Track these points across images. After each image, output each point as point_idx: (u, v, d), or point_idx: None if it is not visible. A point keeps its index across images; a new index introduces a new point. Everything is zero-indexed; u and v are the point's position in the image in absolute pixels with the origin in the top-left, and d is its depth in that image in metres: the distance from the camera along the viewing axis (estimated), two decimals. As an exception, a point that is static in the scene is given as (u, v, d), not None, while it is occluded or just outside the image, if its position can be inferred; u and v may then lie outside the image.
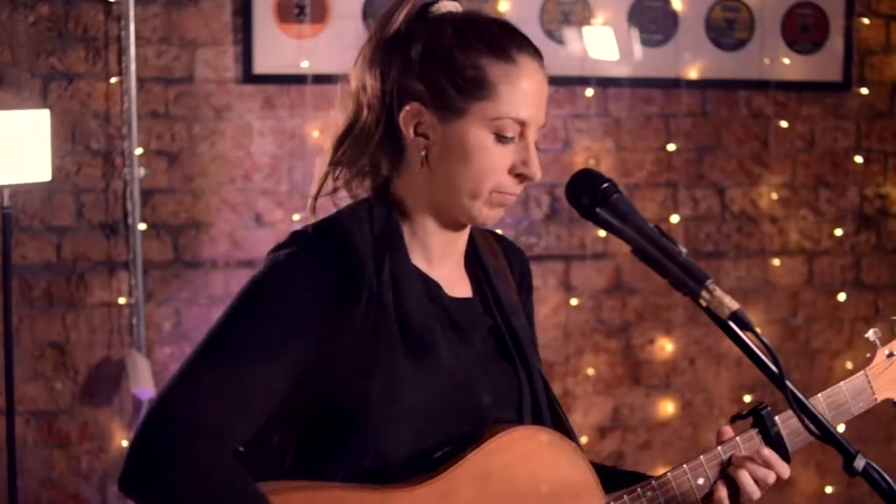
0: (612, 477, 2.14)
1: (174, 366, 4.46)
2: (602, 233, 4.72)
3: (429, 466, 1.95)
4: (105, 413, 4.47)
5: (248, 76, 4.51)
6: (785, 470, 2.10)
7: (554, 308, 4.86)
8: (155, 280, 4.49)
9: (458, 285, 2.09)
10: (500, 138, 1.96)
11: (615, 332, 4.98)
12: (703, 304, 1.79)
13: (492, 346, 2.09)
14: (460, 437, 1.98)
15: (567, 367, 4.90)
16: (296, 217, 4.55)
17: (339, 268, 1.94)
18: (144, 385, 4.24)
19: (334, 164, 2.06)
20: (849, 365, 5.18)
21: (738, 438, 2.12)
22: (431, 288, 2.03)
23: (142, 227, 4.43)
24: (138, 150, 4.40)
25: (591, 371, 4.94)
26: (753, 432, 2.12)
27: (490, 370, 2.06)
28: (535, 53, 2.02)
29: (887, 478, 1.87)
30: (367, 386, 1.92)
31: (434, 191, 2.01)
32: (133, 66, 4.36)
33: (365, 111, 2.02)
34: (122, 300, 4.45)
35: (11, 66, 4.31)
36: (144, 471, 1.85)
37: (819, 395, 2.23)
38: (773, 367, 1.80)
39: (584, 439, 4.80)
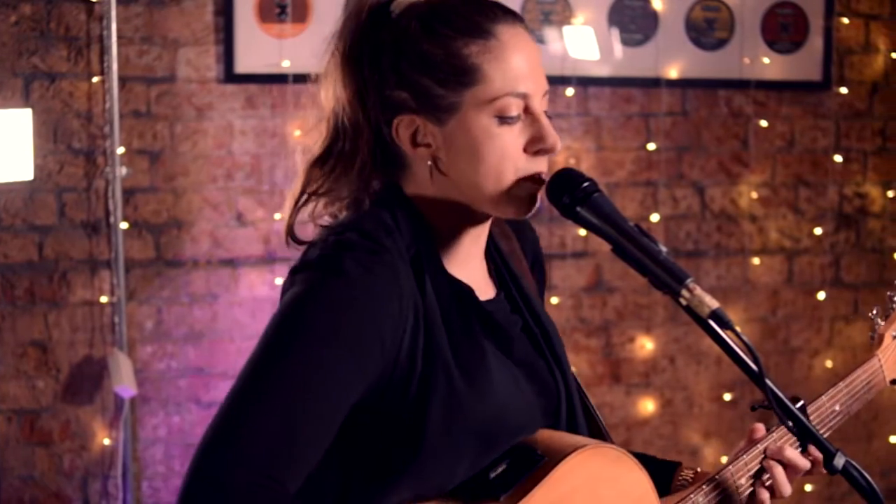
0: (653, 466, 2.10)
1: (156, 364, 4.47)
2: (582, 231, 4.73)
3: (488, 490, 1.84)
4: (87, 412, 4.46)
5: (230, 75, 4.51)
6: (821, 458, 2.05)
7: (535, 307, 4.86)
8: (137, 279, 4.49)
9: (484, 285, 2.00)
10: (504, 120, 1.84)
11: (595, 331, 4.99)
12: (684, 302, 1.79)
13: (529, 349, 2.02)
14: (511, 452, 1.89)
15: (548, 366, 4.90)
16: (277, 216, 4.55)
17: (385, 290, 1.77)
18: (126, 383, 4.23)
19: (310, 193, 1.91)
20: (828, 364, 5.20)
21: (774, 434, 2.12)
22: (467, 296, 1.91)
23: (123, 225, 4.43)
24: (120, 150, 4.39)
25: (571, 369, 4.94)
26: (784, 429, 2.10)
27: (532, 376, 1.99)
28: (515, 19, 1.88)
29: (867, 475, 1.89)
30: (425, 413, 1.80)
31: (455, 194, 1.89)
32: (115, 66, 4.36)
33: (342, 134, 1.89)
34: (103, 299, 4.44)
35: (-7, 65, 4.31)
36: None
37: (840, 383, 2.24)
38: (753, 366, 1.81)
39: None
